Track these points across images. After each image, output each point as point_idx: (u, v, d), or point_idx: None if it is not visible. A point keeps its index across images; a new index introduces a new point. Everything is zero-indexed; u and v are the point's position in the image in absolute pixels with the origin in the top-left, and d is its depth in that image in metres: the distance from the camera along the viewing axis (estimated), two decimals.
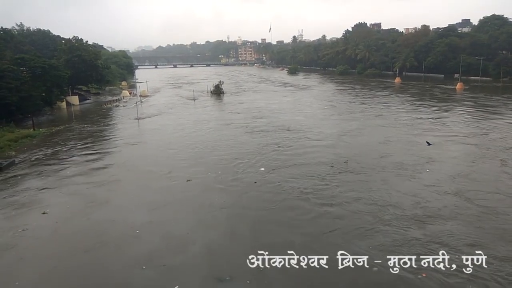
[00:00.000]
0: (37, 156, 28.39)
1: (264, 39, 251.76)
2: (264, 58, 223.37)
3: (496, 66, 77.69)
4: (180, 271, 12.60)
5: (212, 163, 24.99)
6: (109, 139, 35.14)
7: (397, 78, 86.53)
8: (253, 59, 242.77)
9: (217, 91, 67.78)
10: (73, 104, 54.86)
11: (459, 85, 67.58)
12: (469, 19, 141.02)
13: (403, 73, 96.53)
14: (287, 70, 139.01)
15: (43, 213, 17.63)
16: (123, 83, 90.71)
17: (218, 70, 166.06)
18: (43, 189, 21.11)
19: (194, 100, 60.94)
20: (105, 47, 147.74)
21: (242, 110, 49.10)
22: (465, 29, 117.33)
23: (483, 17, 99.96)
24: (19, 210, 18.22)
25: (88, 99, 65.23)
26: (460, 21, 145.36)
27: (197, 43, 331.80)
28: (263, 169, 23.18)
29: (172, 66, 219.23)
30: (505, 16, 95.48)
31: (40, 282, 12.51)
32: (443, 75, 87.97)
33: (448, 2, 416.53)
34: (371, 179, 20.86)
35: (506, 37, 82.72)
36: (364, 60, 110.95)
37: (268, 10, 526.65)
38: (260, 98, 63.52)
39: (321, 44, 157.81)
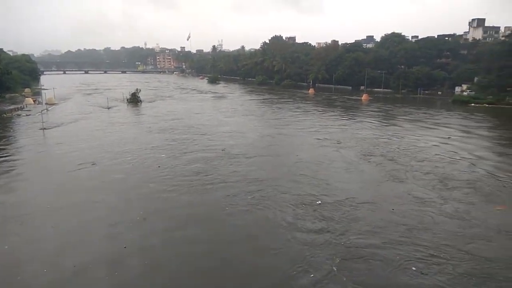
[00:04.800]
0: None
1: (184, 47, 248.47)
2: (184, 66, 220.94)
3: (396, 79, 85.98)
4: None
5: (123, 156, 29.20)
6: (7, 152, 31.57)
7: (310, 89, 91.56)
8: (172, 67, 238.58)
9: (134, 99, 65.14)
10: None
11: (364, 96, 73.67)
12: (373, 36, 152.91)
13: (316, 84, 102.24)
14: (207, 79, 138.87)
15: None
16: (27, 90, 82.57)
17: (135, 78, 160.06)
18: None
19: (109, 108, 57.96)
20: (5, 50, 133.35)
21: (156, 114, 52.14)
22: (369, 45, 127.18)
23: (384, 34, 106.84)
24: None
25: None
26: (365, 37, 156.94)
27: (112, 48, 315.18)
28: (164, 155, 29.17)
29: (83, 72, 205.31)
30: (403, 34, 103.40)
31: None
32: (351, 87, 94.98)
33: (355, 19, 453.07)
34: (241, 160, 28.05)
35: (404, 53, 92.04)
36: (281, 71, 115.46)
37: (186, 19, 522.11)
38: (176, 105, 64.33)
39: (241, 55, 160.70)
